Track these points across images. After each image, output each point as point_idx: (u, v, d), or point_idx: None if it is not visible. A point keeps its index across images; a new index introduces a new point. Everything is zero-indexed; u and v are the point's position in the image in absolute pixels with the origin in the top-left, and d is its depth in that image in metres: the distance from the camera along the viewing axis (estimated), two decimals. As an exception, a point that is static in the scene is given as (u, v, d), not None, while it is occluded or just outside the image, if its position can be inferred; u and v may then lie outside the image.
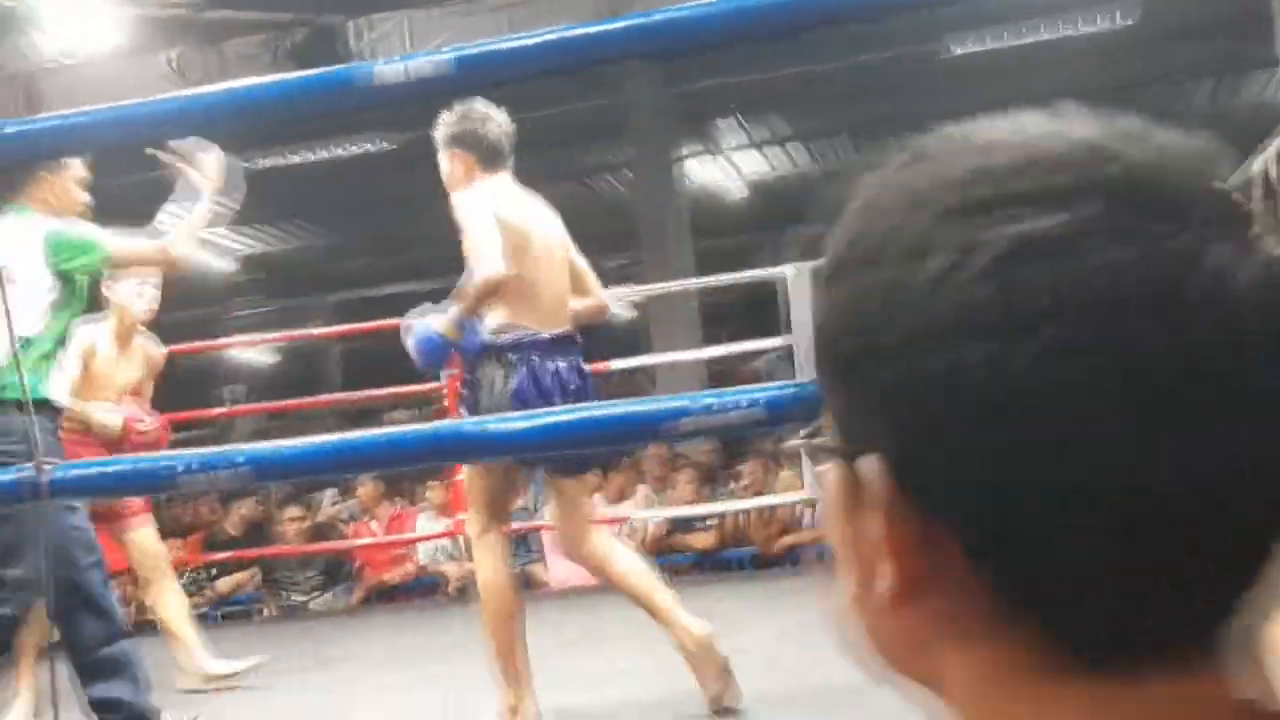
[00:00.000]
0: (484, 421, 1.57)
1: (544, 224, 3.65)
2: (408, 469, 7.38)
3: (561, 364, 3.46)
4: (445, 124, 3.65)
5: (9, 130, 1.58)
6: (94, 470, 1.77)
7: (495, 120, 3.65)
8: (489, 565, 3.51)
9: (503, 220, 3.45)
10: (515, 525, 7.04)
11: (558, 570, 7.03)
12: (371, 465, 1.91)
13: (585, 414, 1.59)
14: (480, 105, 3.65)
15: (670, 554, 6.94)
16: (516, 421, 1.59)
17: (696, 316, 10.20)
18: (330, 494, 8.14)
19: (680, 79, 10.11)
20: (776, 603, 5.37)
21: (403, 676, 4.62)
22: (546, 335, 3.48)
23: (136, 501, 4.33)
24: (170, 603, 4.60)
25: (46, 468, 1.59)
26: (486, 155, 3.63)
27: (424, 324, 3.46)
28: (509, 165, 3.68)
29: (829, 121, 11.69)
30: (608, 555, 3.60)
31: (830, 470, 0.51)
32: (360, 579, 7.38)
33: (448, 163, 3.67)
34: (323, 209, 13.04)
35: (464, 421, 1.62)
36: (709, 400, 1.51)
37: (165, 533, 8.12)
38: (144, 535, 4.55)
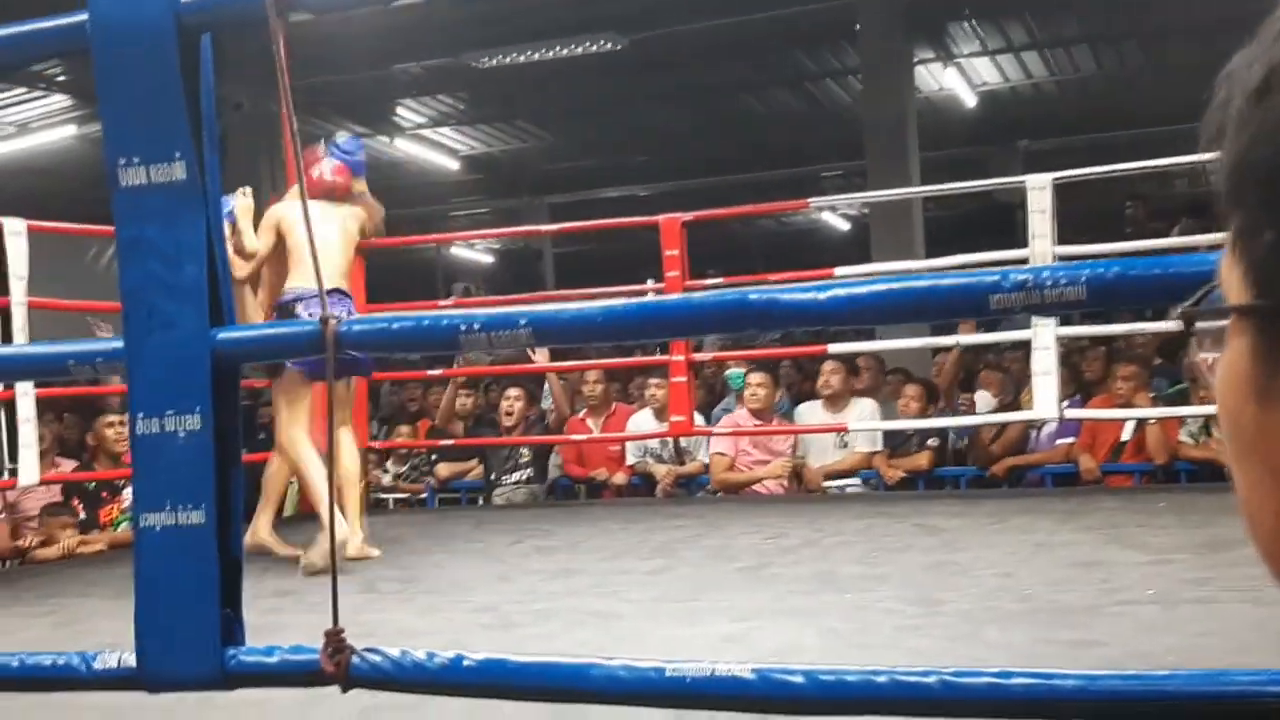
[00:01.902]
0: (773, 293, 1.49)
1: (321, 218, 4.78)
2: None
3: (340, 311, 4.30)
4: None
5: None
6: (379, 325, 1.79)
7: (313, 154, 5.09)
8: (307, 448, 4.78)
9: (278, 217, 5.00)
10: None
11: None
12: (645, 332, 1.87)
13: (880, 288, 1.50)
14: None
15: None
16: (808, 293, 1.51)
17: (920, 227, 9.91)
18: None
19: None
20: (1005, 523, 5.20)
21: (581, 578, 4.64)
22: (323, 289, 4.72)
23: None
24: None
25: (333, 321, 1.61)
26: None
27: None
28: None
29: (1070, 29, 11.10)
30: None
31: (1236, 341, 0.42)
32: (560, 474, 7.49)
33: None
34: (546, 110, 13.11)
35: (749, 291, 1.55)
36: (1023, 276, 1.39)
37: (394, 419, 8.46)
38: None
